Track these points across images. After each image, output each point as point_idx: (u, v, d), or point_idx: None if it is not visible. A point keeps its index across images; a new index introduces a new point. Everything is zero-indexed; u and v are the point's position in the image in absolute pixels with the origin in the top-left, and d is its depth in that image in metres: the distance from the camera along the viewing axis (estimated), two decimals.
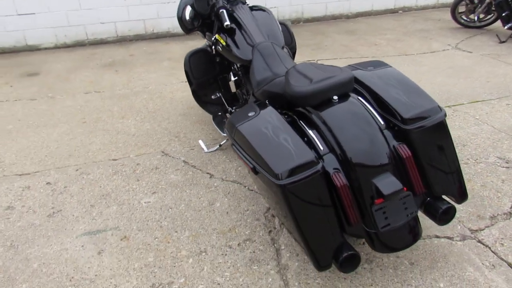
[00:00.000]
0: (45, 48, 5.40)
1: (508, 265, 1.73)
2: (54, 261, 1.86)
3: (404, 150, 1.54)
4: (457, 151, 2.49)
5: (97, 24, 5.48)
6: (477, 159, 2.45)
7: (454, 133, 2.75)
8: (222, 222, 2.06)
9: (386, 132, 1.59)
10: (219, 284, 1.71)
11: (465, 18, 5.43)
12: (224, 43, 2.32)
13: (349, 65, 1.91)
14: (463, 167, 2.38)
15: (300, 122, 1.65)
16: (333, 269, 1.73)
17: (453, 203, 1.65)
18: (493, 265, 1.73)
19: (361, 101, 1.67)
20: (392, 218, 1.48)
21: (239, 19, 2.34)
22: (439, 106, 1.59)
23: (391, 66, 1.82)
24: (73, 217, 2.15)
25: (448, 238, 1.88)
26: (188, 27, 2.52)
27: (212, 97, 2.76)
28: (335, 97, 1.61)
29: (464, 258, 1.76)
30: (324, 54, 4.59)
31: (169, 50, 5.18)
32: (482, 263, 1.74)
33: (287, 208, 1.41)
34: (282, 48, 2.29)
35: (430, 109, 1.57)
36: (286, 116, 1.73)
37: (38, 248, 1.94)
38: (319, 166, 1.43)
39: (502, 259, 1.76)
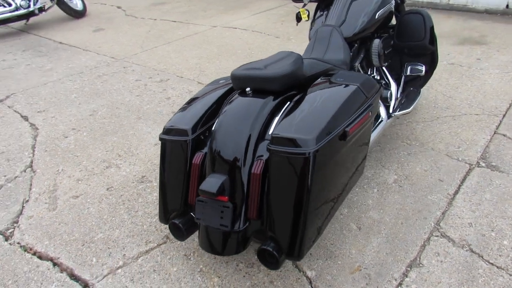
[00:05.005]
0: None
1: None
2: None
3: (257, 166, 1.44)
4: None
5: None
6: None
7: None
8: None
9: (266, 142, 1.48)
10: (136, 213, 2.10)
11: None
12: (304, 18, 2.32)
13: (344, 70, 1.82)
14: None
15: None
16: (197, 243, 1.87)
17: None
18: None
19: (276, 102, 1.57)
20: (205, 216, 1.47)
21: None
22: (316, 142, 1.34)
23: (356, 86, 1.61)
24: (145, 102, 3.31)
25: None
26: None
27: None
28: (248, 89, 1.60)
29: None
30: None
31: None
32: None
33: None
34: (353, 36, 2.10)
35: (301, 139, 1.34)
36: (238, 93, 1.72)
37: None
38: (186, 138, 1.55)
39: None
